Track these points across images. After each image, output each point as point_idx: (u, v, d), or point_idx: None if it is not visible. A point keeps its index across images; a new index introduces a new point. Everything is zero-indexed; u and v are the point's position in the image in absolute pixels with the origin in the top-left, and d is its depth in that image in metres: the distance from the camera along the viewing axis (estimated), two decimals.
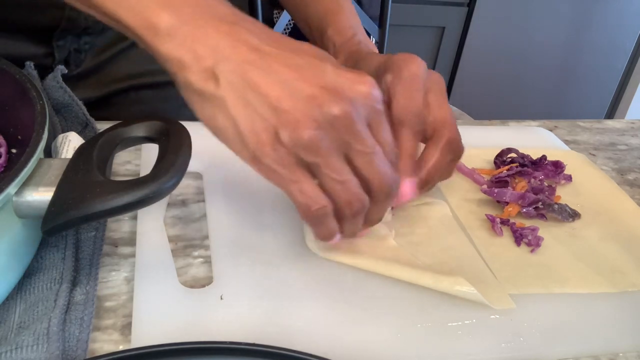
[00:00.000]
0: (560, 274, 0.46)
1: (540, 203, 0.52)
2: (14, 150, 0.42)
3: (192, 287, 0.41)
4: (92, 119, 0.56)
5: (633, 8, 2.07)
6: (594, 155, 0.69)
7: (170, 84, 0.81)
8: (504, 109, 2.14)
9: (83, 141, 0.48)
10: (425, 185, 0.45)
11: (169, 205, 0.49)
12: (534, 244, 0.49)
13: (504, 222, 0.51)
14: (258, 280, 0.42)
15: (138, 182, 0.34)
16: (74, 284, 0.39)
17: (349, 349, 0.38)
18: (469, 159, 0.58)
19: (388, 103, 0.44)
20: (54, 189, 0.35)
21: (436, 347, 0.39)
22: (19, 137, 0.42)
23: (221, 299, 0.40)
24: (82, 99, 0.57)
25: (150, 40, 0.35)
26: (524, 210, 0.52)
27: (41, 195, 0.35)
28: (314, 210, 0.37)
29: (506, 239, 0.50)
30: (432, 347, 0.39)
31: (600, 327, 0.42)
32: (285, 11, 1.20)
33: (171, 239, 0.45)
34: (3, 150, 0.42)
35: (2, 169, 0.41)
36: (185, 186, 0.52)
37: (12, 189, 0.34)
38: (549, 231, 0.51)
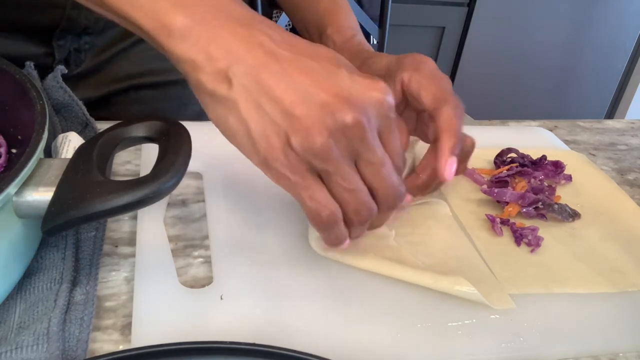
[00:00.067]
0: (560, 274, 0.46)
1: (540, 203, 0.52)
2: (14, 150, 0.42)
3: (192, 287, 0.41)
4: (92, 119, 0.56)
5: (633, 8, 2.07)
6: (594, 155, 0.69)
7: (170, 84, 0.82)
8: (504, 109, 2.14)
9: (83, 141, 0.48)
10: (458, 148, 0.44)
11: (169, 205, 0.49)
12: (534, 244, 0.49)
13: (504, 222, 0.51)
14: (258, 280, 0.42)
15: (138, 182, 0.34)
16: (74, 284, 0.39)
17: (349, 349, 0.38)
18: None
19: (409, 98, 0.45)
20: (54, 189, 0.35)
21: (436, 347, 0.39)
22: (19, 137, 0.42)
23: (221, 299, 0.40)
24: (82, 99, 0.57)
25: (163, 41, 0.35)
26: (524, 210, 0.52)
27: (41, 195, 0.35)
28: (324, 217, 0.36)
29: (506, 239, 0.50)
30: (432, 347, 0.39)
31: (600, 327, 0.42)
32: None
33: (171, 239, 0.45)
34: (3, 150, 0.42)
35: (2, 169, 0.41)
36: (185, 186, 0.52)
37: (12, 189, 0.34)
38: (549, 231, 0.51)
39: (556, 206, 0.52)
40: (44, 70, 0.56)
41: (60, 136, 0.49)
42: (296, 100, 0.33)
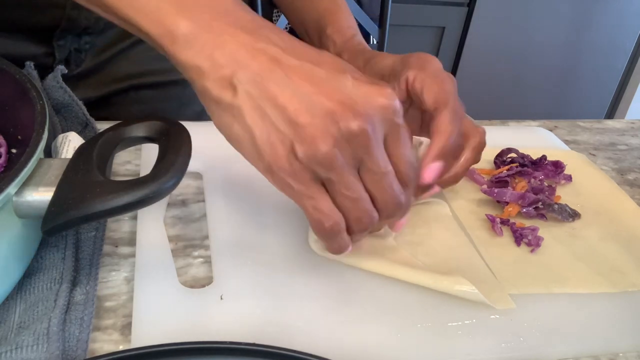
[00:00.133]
0: (560, 274, 0.46)
1: (540, 203, 0.52)
2: (14, 150, 0.42)
3: (192, 287, 0.41)
4: (92, 119, 0.56)
5: (633, 8, 2.07)
6: (594, 155, 0.69)
7: (170, 84, 0.82)
8: (504, 109, 2.14)
9: (83, 141, 0.48)
10: (446, 153, 0.44)
11: (169, 205, 0.49)
12: (534, 244, 0.49)
13: (504, 222, 0.51)
14: (258, 280, 0.42)
15: (138, 182, 0.34)
16: (74, 284, 0.39)
17: (349, 349, 0.38)
18: None
19: (414, 98, 0.45)
20: (54, 189, 0.35)
21: (436, 347, 0.39)
22: (19, 137, 0.42)
23: (221, 299, 0.40)
24: (82, 99, 0.57)
25: (168, 48, 0.34)
26: (524, 210, 0.52)
27: (41, 195, 0.35)
28: (327, 227, 0.36)
29: (506, 239, 0.50)
30: (432, 347, 0.39)
31: (600, 327, 0.42)
32: None
33: (171, 239, 0.45)
34: (3, 150, 0.42)
35: (2, 169, 0.41)
36: (185, 186, 0.52)
37: (12, 189, 0.34)
38: (549, 231, 0.51)
39: (556, 206, 0.52)
40: (44, 70, 0.56)
41: (60, 136, 0.49)
42: (300, 108, 0.33)
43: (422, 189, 0.43)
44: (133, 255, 0.43)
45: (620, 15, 2.08)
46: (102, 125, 0.56)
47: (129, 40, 0.69)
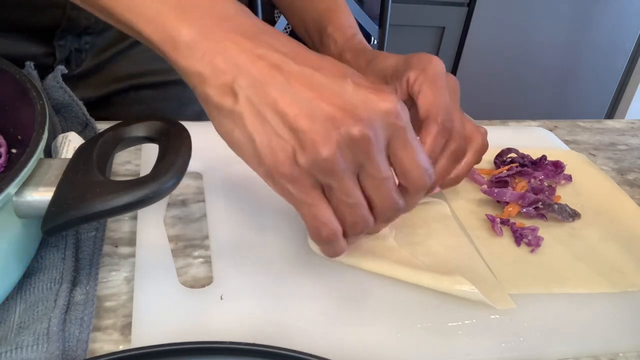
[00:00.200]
0: (560, 274, 0.46)
1: (540, 203, 0.52)
2: (14, 150, 0.42)
3: (192, 287, 0.41)
4: (92, 119, 0.56)
5: (633, 8, 2.07)
6: (594, 155, 0.69)
7: (170, 84, 0.82)
8: (504, 109, 2.14)
9: (83, 141, 0.48)
10: (452, 185, 0.46)
11: (169, 205, 0.49)
12: (534, 244, 0.49)
13: (504, 222, 0.51)
14: (258, 280, 0.42)
15: (138, 182, 0.34)
16: (74, 284, 0.39)
17: (349, 349, 0.38)
18: None
19: (412, 100, 0.45)
20: (54, 189, 0.35)
21: (436, 347, 0.39)
22: (19, 137, 0.42)
23: (221, 299, 0.40)
24: (82, 99, 0.57)
25: (170, 54, 0.34)
26: (524, 210, 0.52)
27: (41, 195, 0.35)
28: (324, 235, 0.36)
29: (506, 239, 0.50)
30: (432, 347, 0.39)
31: (600, 327, 0.42)
32: None
33: (171, 239, 0.45)
34: (3, 150, 0.42)
35: (2, 169, 0.41)
36: (185, 186, 0.52)
37: (12, 189, 0.34)
38: (549, 231, 0.51)
39: (556, 206, 0.52)
40: (45, 70, 0.56)
41: (60, 136, 0.49)
42: (300, 114, 0.33)
43: None
44: (133, 255, 0.43)
45: (620, 15, 2.08)
46: (102, 125, 0.56)
47: (129, 40, 0.69)
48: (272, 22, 1.40)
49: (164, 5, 0.34)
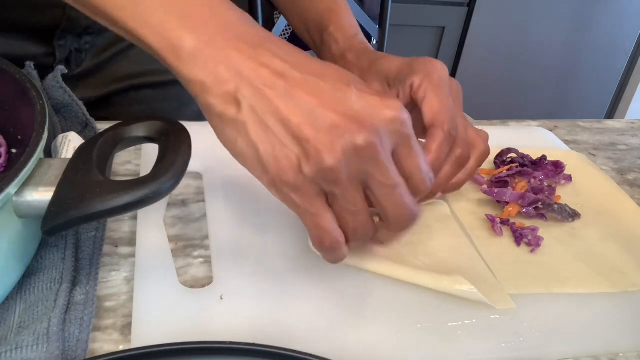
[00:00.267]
0: (560, 274, 0.46)
1: (540, 203, 0.52)
2: (14, 150, 0.42)
3: (192, 287, 0.41)
4: (92, 119, 0.56)
5: (633, 8, 2.07)
6: (594, 155, 0.69)
7: (170, 84, 0.82)
8: (504, 109, 2.15)
9: (83, 141, 0.48)
10: (454, 190, 0.46)
11: (169, 205, 0.49)
12: (534, 244, 0.49)
13: (504, 222, 0.51)
14: (258, 280, 0.42)
15: (138, 182, 0.34)
16: (74, 284, 0.39)
17: (349, 349, 0.38)
18: None
19: (417, 104, 0.45)
20: (54, 189, 0.35)
21: (436, 347, 0.39)
22: (19, 137, 0.42)
23: (221, 299, 0.40)
24: (82, 99, 0.57)
25: (172, 62, 0.34)
26: (524, 210, 0.52)
27: (41, 195, 0.35)
28: (327, 244, 0.36)
29: (506, 239, 0.50)
30: (432, 347, 0.39)
31: (600, 327, 0.42)
32: None
33: (171, 239, 0.45)
34: (3, 150, 0.42)
35: (2, 169, 0.41)
36: (185, 186, 0.52)
37: (12, 189, 0.34)
38: (549, 231, 0.51)
39: (556, 206, 0.52)
40: (45, 70, 0.56)
41: (60, 136, 0.49)
42: (304, 122, 0.32)
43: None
44: (133, 255, 0.43)
45: (620, 15, 2.08)
46: (102, 125, 0.56)
47: (129, 40, 0.69)
48: (271, 22, 1.40)
49: (166, 13, 0.34)
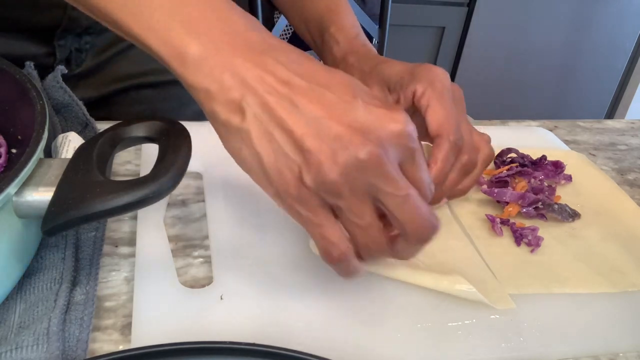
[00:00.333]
0: (560, 274, 0.46)
1: (540, 203, 0.52)
2: (14, 150, 0.42)
3: (192, 287, 0.41)
4: (92, 119, 0.56)
5: (633, 8, 2.07)
6: (594, 155, 0.69)
7: (170, 84, 0.82)
8: (504, 109, 2.15)
9: (83, 141, 0.48)
10: (459, 196, 0.46)
11: (169, 205, 0.49)
12: (534, 244, 0.49)
13: (504, 222, 0.51)
14: (258, 280, 0.42)
15: (138, 182, 0.34)
16: (74, 284, 0.39)
17: (349, 349, 0.38)
18: None
19: (419, 111, 0.44)
20: (54, 189, 0.35)
21: (436, 347, 0.39)
22: (19, 137, 0.42)
23: (221, 299, 0.40)
24: (83, 99, 0.57)
25: (177, 69, 0.34)
26: (524, 210, 0.52)
27: (41, 195, 0.35)
28: (335, 255, 0.35)
29: (506, 239, 0.50)
30: (432, 347, 0.39)
31: (600, 327, 0.42)
32: None
33: (171, 239, 0.45)
34: (3, 150, 0.42)
35: (2, 169, 0.41)
36: (185, 186, 0.52)
37: (12, 189, 0.34)
38: (549, 231, 0.51)
39: (556, 206, 0.52)
40: (45, 70, 0.56)
41: (60, 136, 0.49)
42: (308, 133, 0.32)
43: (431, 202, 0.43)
44: (133, 255, 0.43)
45: (620, 15, 2.08)
46: (102, 125, 0.56)
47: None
48: (271, 23, 1.40)
49: (172, 19, 0.33)
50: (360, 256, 0.37)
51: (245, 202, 0.50)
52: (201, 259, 0.44)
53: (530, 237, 0.49)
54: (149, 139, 0.39)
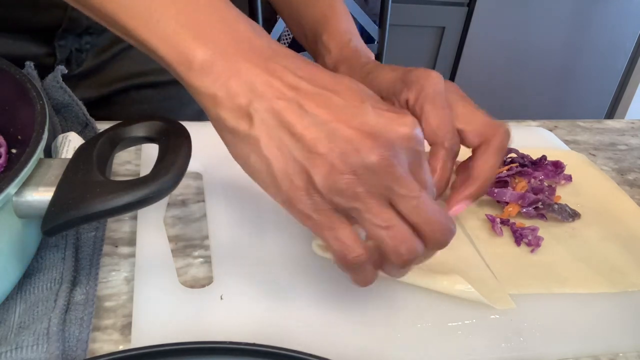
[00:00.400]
0: (560, 274, 0.46)
1: (540, 203, 0.52)
2: (14, 150, 0.42)
3: (192, 287, 0.41)
4: (92, 119, 0.56)
5: (633, 8, 2.07)
6: (594, 155, 0.69)
7: (170, 84, 0.82)
8: (504, 108, 2.14)
9: (83, 141, 0.48)
10: (480, 195, 0.43)
11: (169, 205, 0.49)
12: (534, 244, 0.49)
13: (504, 222, 0.51)
14: (258, 280, 0.42)
15: (138, 182, 0.34)
16: (74, 284, 0.39)
17: (349, 349, 0.38)
18: None
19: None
20: (54, 189, 0.35)
21: (436, 347, 0.39)
22: (19, 137, 0.42)
23: (221, 299, 0.40)
24: (83, 99, 0.57)
25: (183, 74, 0.34)
26: (524, 210, 0.52)
27: (41, 195, 0.35)
28: (350, 259, 0.34)
29: (506, 239, 0.50)
30: (432, 347, 0.39)
31: (600, 327, 0.42)
32: None
33: (171, 239, 0.45)
34: (3, 150, 0.42)
35: (2, 169, 0.41)
36: (185, 186, 0.52)
37: (12, 189, 0.34)
38: (549, 231, 0.51)
39: (556, 206, 0.52)
40: (45, 70, 0.56)
41: (60, 136, 0.49)
42: (318, 137, 0.31)
43: None
44: (133, 255, 0.43)
45: (620, 16, 2.08)
46: (102, 125, 0.56)
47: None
48: (271, 23, 1.40)
49: (179, 25, 0.33)
50: (389, 265, 0.36)
51: (246, 202, 0.50)
52: (201, 259, 0.44)
53: (530, 237, 0.49)
54: (149, 139, 0.39)
